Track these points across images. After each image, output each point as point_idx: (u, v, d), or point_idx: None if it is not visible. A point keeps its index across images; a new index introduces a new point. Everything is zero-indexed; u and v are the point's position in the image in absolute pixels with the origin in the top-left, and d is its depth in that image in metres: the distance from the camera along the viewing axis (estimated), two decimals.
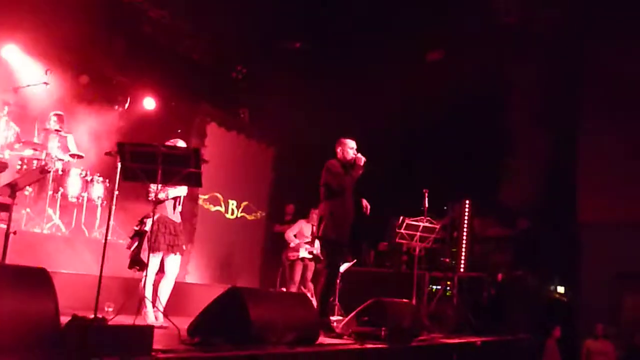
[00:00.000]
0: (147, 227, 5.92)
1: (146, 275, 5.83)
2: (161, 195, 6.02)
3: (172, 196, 6.14)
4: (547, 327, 10.99)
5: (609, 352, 10.81)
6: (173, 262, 6.10)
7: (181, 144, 6.11)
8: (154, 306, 5.82)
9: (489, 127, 11.86)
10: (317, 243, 9.03)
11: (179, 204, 6.26)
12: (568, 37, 12.11)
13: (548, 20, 11.48)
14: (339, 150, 7.02)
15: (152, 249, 5.82)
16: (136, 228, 6.06)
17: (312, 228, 9.38)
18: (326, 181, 6.79)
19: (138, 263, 5.96)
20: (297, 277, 9.48)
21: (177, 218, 6.22)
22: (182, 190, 6.19)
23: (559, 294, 12.37)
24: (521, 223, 11.06)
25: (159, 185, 5.80)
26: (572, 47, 12.56)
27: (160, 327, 5.30)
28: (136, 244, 5.97)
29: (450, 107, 11.57)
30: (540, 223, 11.40)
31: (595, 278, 12.46)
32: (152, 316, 5.77)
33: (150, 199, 6.05)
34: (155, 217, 5.85)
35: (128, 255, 6.01)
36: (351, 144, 7.01)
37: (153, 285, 5.95)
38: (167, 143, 5.98)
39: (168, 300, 6.07)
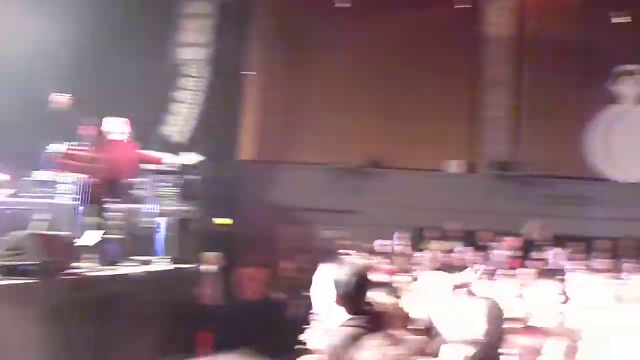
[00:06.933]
0: None
1: None
2: None
3: None
4: (209, 257, 11.45)
5: (260, 278, 11.69)
6: None
7: None
8: None
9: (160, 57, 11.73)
10: None
11: None
12: None
13: None
14: None
15: None
16: None
17: None
18: None
19: None
20: None
21: None
22: None
23: (222, 225, 12.97)
24: (186, 157, 11.23)
25: None
26: None
27: None
28: None
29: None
30: (205, 157, 11.76)
31: (254, 211, 13.43)
32: None
33: None
34: None
35: None
36: None
37: None
38: None
39: None
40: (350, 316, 2.95)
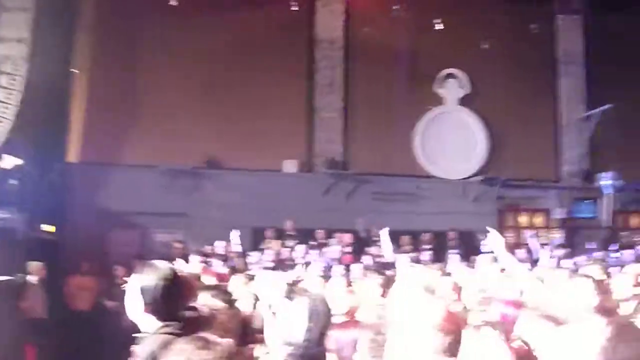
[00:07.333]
0: None
1: None
2: None
3: None
4: (32, 267, 10.74)
5: (91, 287, 11.14)
6: None
7: None
8: None
9: None
10: None
11: None
12: None
13: None
14: None
15: None
16: None
17: None
18: None
19: None
20: None
21: None
22: None
23: (46, 232, 12.21)
24: (4, 161, 10.49)
25: None
26: None
27: None
28: None
29: None
30: (26, 160, 11.03)
31: (83, 216, 12.80)
32: None
33: None
34: None
35: None
36: None
37: None
38: None
39: None
40: (163, 323, 2.82)
